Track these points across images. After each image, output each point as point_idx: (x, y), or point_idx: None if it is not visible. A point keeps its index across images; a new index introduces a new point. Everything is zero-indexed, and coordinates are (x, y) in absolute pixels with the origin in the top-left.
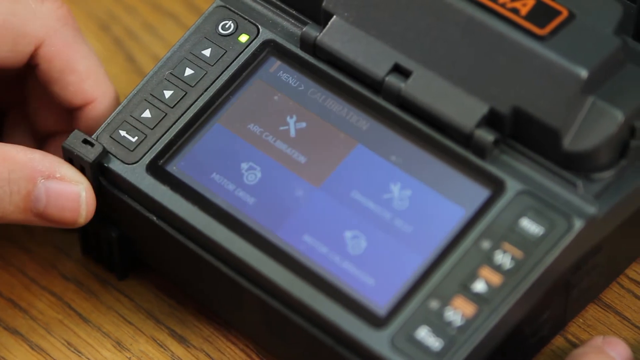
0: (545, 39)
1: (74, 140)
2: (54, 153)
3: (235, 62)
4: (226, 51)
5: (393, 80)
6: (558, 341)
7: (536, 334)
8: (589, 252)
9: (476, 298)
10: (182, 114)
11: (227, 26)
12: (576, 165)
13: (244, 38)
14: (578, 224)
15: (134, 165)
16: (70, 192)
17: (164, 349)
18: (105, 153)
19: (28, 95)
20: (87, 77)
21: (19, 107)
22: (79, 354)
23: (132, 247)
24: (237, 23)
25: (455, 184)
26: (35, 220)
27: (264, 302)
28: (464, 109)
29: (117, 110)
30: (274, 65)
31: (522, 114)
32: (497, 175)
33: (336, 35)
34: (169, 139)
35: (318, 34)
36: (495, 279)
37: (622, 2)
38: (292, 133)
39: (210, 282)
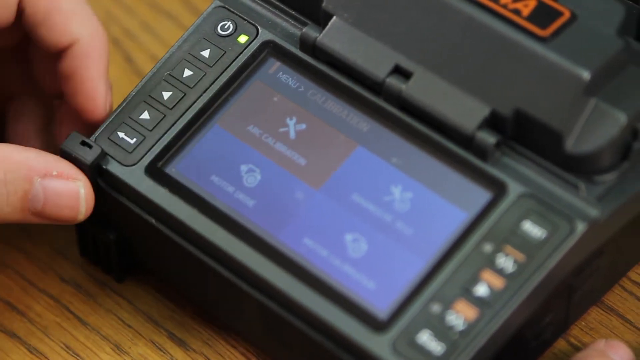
0: (547, 40)
1: (71, 142)
2: (67, 114)
3: (234, 63)
4: (225, 52)
5: (394, 82)
6: (560, 344)
7: (538, 337)
8: (591, 255)
9: (478, 302)
10: (181, 116)
11: (226, 27)
12: (578, 168)
13: (243, 39)
14: (580, 227)
15: (133, 167)
16: (68, 190)
17: (163, 352)
18: (103, 155)
19: (32, 60)
20: (72, 16)
21: (21, 97)
22: (78, 357)
23: (130, 249)
24: (236, 24)
25: (457, 187)
26: (33, 219)
27: (264, 305)
28: (465, 111)
29: (115, 111)
30: (274, 66)
31: (524, 115)
32: (498, 178)
33: (336, 36)
34: (167, 140)
35: (318, 34)
36: (498, 282)
37: (624, 3)
38: (292, 135)
39: (209, 285)
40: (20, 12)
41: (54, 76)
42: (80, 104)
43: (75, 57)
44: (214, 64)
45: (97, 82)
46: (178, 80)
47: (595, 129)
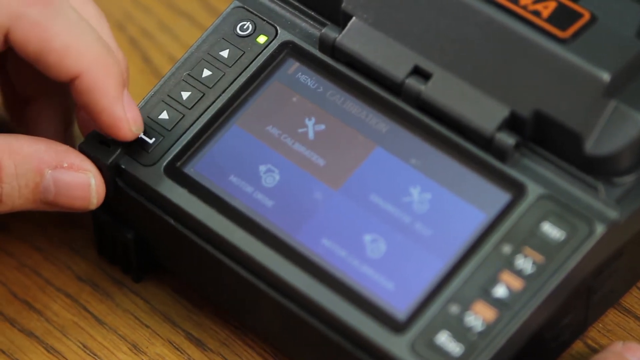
0: (567, 41)
1: (90, 142)
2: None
3: (253, 63)
4: (244, 52)
5: (413, 83)
6: (578, 346)
7: (557, 338)
8: (610, 257)
9: (497, 303)
10: (200, 116)
11: (245, 27)
12: (598, 169)
13: (262, 39)
14: (600, 229)
15: (152, 167)
16: (79, 182)
17: (181, 352)
18: (122, 154)
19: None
20: (66, 52)
21: (38, 100)
22: (95, 357)
23: (148, 249)
24: (255, 24)
25: (476, 188)
26: (46, 208)
27: (282, 305)
28: (485, 112)
29: None
30: (293, 66)
31: (544, 117)
32: (518, 179)
33: (355, 36)
34: (186, 140)
35: (337, 35)
36: (516, 283)
37: None
38: (311, 135)
39: (227, 285)
40: (10, 47)
41: (27, 80)
42: (104, 130)
43: (81, 93)
44: (233, 64)
45: (111, 111)
46: (197, 80)
47: (614, 131)
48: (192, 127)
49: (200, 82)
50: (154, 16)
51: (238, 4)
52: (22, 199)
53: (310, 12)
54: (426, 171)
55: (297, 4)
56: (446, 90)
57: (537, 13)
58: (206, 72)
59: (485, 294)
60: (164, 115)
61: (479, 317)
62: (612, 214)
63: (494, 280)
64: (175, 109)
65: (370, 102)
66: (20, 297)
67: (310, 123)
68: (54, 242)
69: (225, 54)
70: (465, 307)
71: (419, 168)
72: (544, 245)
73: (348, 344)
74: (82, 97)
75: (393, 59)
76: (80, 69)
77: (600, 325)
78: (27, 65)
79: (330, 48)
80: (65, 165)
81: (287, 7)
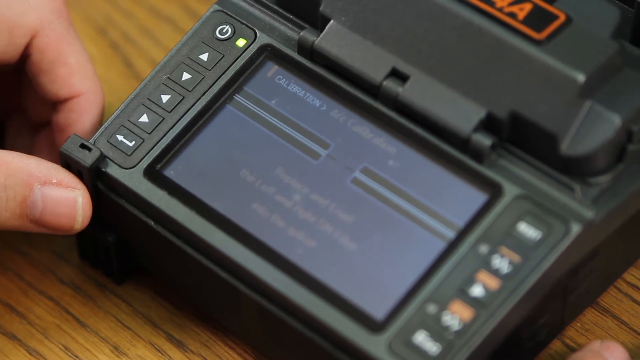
0: (542, 43)
1: (71, 145)
2: (47, 141)
3: (232, 66)
4: (223, 55)
5: (390, 85)
6: (556, 345)
7: (534, 338)
8: (586, 257)
9: (474, 302)
10: (180, 119)
11: (224, 30)
12: (574, 170)
13: (241, 42)
14: (575, 229)
15: (132, 169)
16: (66, 198)
17: (162, 354)
18: (102, 157)
19: (23, 87)
20: (76, 71)
21: (20, 112)
22: (77, 359)
23: (129, 251)
24: (234, 27)
25: (453, 188)
26: (30, 227)
27: (262, 306)
28: (462, 114)
29: (114, 114)
30: (272, 69)
31: (520, 118)
32: (494, 180)
33: (333, 39)
34: (166, 143)
35: (315, 38)
36: (493, 283)
37: (619, 7)
38: None
39: (208, 287)
40: (25, 55)
41: (42, 105)
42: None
43: (73, 111)
44: (212, 68)
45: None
46: (177, 83)
47: (590, 131)
48: (171, 130)
49: (179, 85)
50: (135, 21)
51: (217, 7)
52: (9, 212)
53: (288, 15)
54: (403, 172)
55: (275, 7)
56: (423, 92)
57: (513, 15)
58: (186, 76)
59: (462, 294)
60: (144, 118)
61: (455, 316)
62: (588, 213)
63: (470, 280)
64: (155, 112)
65: (348, 104)
66: (3, 300)
67: None
68: (36, 245)
69: (204, 57)
70: (443, 306)
71: (397, 169)
72: (520, 245)
73: (326, 344)
74: (73, 116)
75: (371, 61)
76: (82, 90)
77: (578, 324)
78: (9, 79)
79: (308, 51)
80: (55, 181)
81: (266, 11)
